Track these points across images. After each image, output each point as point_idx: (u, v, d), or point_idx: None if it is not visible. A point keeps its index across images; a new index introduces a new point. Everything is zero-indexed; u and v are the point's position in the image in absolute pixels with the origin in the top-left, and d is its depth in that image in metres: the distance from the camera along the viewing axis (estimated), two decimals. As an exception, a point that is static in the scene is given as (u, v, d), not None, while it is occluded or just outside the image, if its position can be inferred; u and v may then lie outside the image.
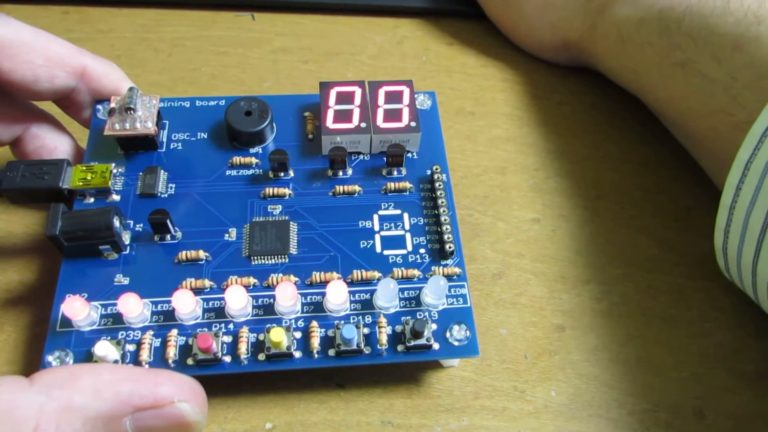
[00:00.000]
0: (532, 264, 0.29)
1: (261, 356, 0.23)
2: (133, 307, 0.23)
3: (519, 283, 0.29)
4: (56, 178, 0.26)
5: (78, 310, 0.23)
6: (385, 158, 0.28)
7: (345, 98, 0.28)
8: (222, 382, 0.25)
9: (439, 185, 0.27)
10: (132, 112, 0.27)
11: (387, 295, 0.24)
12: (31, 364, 0.25)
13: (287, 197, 0.27)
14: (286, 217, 0.26)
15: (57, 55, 0.26)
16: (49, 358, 0.23)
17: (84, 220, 0.24)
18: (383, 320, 0.24)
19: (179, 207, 0.26)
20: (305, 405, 0.25)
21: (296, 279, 0.25)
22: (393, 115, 0.28)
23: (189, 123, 0.29)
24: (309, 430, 0.25)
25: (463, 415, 0.25)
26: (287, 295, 0.24)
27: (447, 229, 0.26)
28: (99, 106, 0.28)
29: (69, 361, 0.23)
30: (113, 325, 0.24)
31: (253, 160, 0.28)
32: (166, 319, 0.24)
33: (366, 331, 0.24)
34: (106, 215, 0.24)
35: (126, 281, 0.25)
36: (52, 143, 0.28)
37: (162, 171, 0.27)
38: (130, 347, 0.23)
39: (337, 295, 0.24)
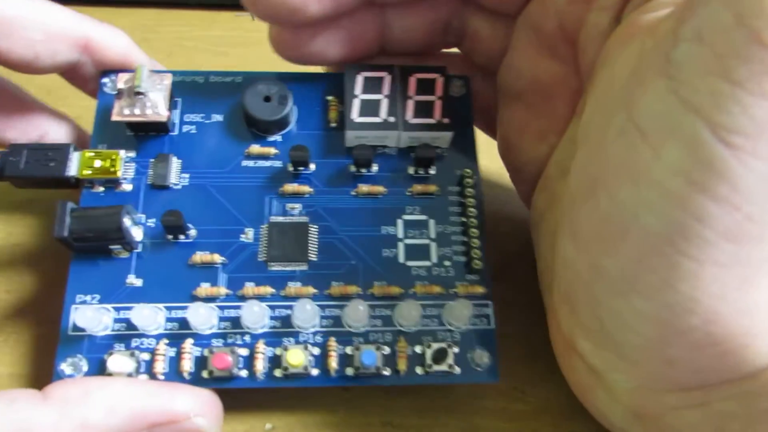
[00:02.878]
0: (532, 264, 0.28)
1: (278, 372, 0.23)
2: (147, 319, 0.22)
3: (520, 283, 0.28)
4: (62, 165, 0.24)
5: (91, 319, 0.22)
6: (412, 155, 0.26)
7: (373, 85, 0.26)
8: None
9: (469, 192, 0.26)
10: (142, 96, 0.24)
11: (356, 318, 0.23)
12: (42, 367, 0.25)
13: (307, 195, 0.25)
14: (306, 219, 0.25)
15: (57, 27, 0.24)
16: (62, 366, 0.22)
17: (93, 221, 0.23)
18: (404, 344, 0.23)
19: (193, 201, 0.25)
20: (305, 405, 0.25)
21: (314, 291, 0.24)
22: (424, 109, 0.26)
23: (203, 102, 0.27)
24: (309, 430, 0.25)
25: (463, 415, 0.25)
26: (306, 316, 0.23)
27: (475, 243, 0.25)
28: (106, 80, 0.26)
29: (83, 367, 0.22)
30: (126, 330, 0.23)
31: (272, 150, 0.26)
32: (181, 327, 0.23)
33: (387, 350, 0.23)
34: (115, 216, 0.23)
35: (139, 283, 0.24)
36: (56, 137, 0.26)
37: (174, 158, 0.25)
38: (144, 356, 0.23)
39: (357, 316, 0.23)
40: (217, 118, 0.26)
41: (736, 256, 0.16)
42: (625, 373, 0.20)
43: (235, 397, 0.24)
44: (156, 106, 0.25)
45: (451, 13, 0.27)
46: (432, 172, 0.26)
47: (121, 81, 0.25)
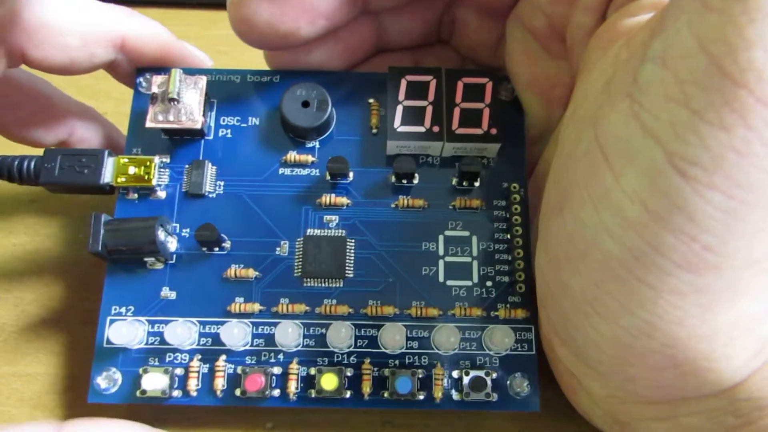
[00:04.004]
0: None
1: (311, 392, 0.22)
2: (181, 337, 0.22)
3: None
4: (96, 173, 0.24)
5: (126, 335, 0.22)
6: (457, 165, 0.25)
7: (417, 90, 0.24)
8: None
9: (516, 208, 0.24)
10: (176, 103, 0.24)
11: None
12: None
13: (345, 207, 0.24)
14: (343, 233, 0.24)
15: (92, 30, 0.23)
16: (98, 380, 0.22)
17: (127, 234, 0.23)
18: (440, 371, 0.22)
19: (228, 211, 0.24)
20: (305, 404, 0.25)
21: (350, 309, 0.23)
22: (471, 119, 0.24)
23: (239, 104, 0.25)
24: (309, 429, 0.24)
25: (464, 414, 0.25)
26: (341, 338, 0.22)
27: (520, 264, 0.23)
28: (141, 79, 0.25)
29: (118, 381, 0.23)
30: (160, 344, 0.23)
31: (309, 158, 0.25)
32: (214, 343, 0.23)
33: (422, 373, 0.23)
34: (150, 229, 0.22)
35: (173, 295, 0.23)
36: (98, 142, 0.25)
37: (209, 165, 0.25)
38: (178, 371, 0.23)
39: (393, 342, 0.22)
40: (254, 121, 0.25)
41: (694, 284, 0.16)
42: (595, 381, 0.20)
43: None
44: (191, 112, 0.24)
45: (443, 9, 0.26)
46: (476, 184, 0.25)
47: (155, 84, 0.24)
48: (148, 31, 0.24)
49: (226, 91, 0.26)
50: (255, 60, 0.26)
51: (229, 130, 0.25)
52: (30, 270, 0.27)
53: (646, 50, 0.16)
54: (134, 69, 0.25)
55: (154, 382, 0.22)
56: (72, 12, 0.23)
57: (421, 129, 0.24)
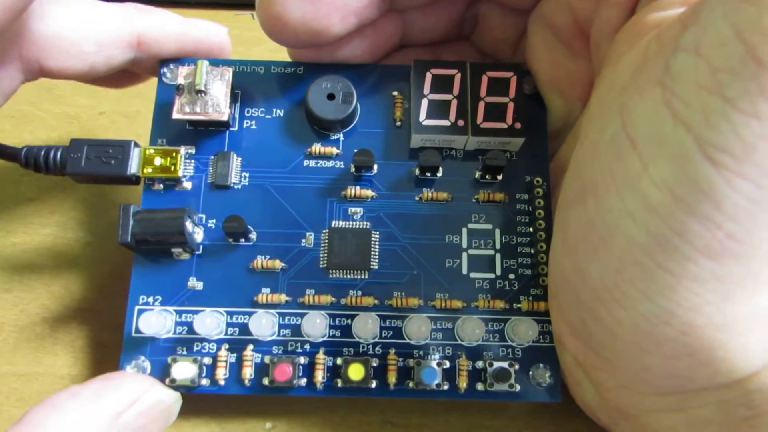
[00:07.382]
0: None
1: (338, 382, 0.23)
2: (209, 327, 0.22)
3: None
4: (123, 164, 0.24)
5: (155, 325, 0.22)
6: (480, 158, 0.25)
7: (442, 84, 0.24)
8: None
9: (539, 203, 0.24)
10: (203, 95, 0.24)
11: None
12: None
13: (369, 200, 0.25)
14: (368, 225, 0.24)
15: (107, 34, 0.23)
16: (128, 369, 0.23)
17: (155, 225, 0.23)
18: (465, 361, 0.23)
19: (253, 202, 0.24)
20: (305, 404, 0.25)
21: (375, 301, 0.24)
22: (495, 113, 0.24)
23: (263, 95, 0.26)
24: (309, 429, 0.25)
25: (464, 414, 0.25)
26: (367, 329, 0.23)
27: (542, 258, 0.24)
28: (165, 69, 0.25)
29: (147, 369, 0.23)
30: (188, 334, 0.23)
31: (334, 150, 0.25)
32: (241, 333, 0.23)
33: (447, 364, 0.23)
34: (178, 220, 0.23)
35: (200, 286, 0.24)
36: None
37: (235, 156, 0.25)
38: (206, 360, 0.23)
39: (419, 333, 0.23)
40: (278, 112, 0.25)
41: (715, 272, 0.16)
42: (605, 372, 0.21)
43: (236, 395, 0.24)
44: (217, 104, 0.24)
45: (466, 6, 0.26)
46: (499, 177, 0.25)
47: (181, 75, 0.24)
48: (162, 25, 0.24)
49: (250, 82, 0.26)
50: (255, 59, 0.26)
51: (253, 122, 0.25)
52: (30, 270, 0.28)
53: (678, 41, 0.16)
54: (157, 61, 0.25)
55: (184, 371, 0.22)
56: (84, 18, 0.23)
57: (446, 123, 0.24)
